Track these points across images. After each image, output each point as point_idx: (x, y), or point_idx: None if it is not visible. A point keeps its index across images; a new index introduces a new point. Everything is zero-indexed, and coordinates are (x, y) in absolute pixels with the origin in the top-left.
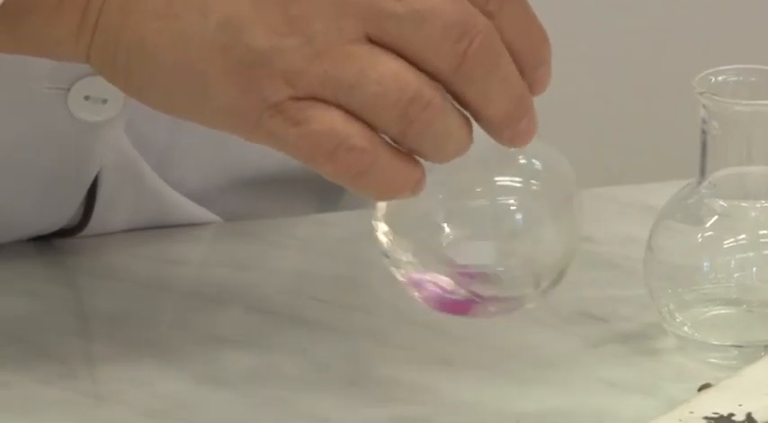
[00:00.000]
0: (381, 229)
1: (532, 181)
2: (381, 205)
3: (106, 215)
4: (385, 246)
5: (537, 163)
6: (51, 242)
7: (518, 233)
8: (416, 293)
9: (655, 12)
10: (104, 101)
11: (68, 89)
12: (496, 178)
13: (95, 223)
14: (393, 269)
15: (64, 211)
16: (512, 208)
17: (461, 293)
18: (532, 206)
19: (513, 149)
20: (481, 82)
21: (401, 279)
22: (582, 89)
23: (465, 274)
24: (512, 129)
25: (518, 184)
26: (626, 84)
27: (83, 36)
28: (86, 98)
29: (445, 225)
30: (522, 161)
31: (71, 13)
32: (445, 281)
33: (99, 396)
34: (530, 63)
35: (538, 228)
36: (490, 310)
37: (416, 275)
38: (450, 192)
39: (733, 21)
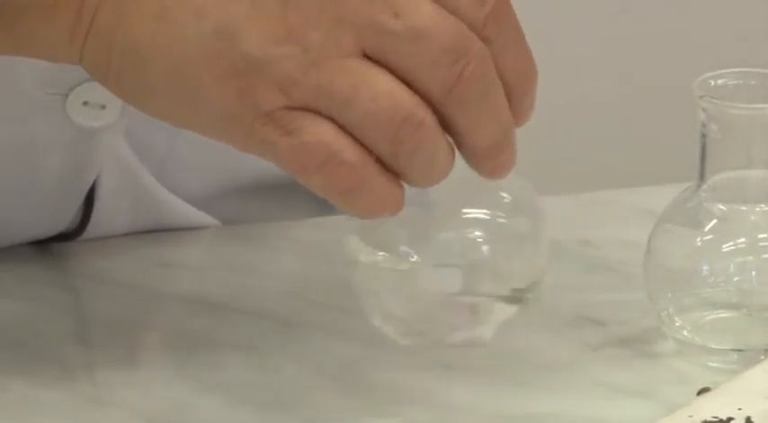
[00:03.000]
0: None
1: (499, 213)
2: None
3: (105, 219)
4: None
5: (507, 196)
6: (50, 246)
7: (481, 264)
8: None
9: (655, 15)
10: (103, 106)
11: (67, 95)
12: (465, 210)
13: (94, 227)
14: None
15: (63, 216)
16: (477, 240)
17: None
18: (498, 237)
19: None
20: (472, 107)
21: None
22: (581, 92)
23: None
24: (494, 160)
25: (485, 217)
26: (625, 87)
27: (77, 38)
28: (85, 104)
29: (410, 253)
30: (493, 194)
31: (66, 15)
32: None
33: (98, 400)
34: (517, 92)
35: (502, 259)
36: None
37: None
38: (418, 221)
39: (733, 24)
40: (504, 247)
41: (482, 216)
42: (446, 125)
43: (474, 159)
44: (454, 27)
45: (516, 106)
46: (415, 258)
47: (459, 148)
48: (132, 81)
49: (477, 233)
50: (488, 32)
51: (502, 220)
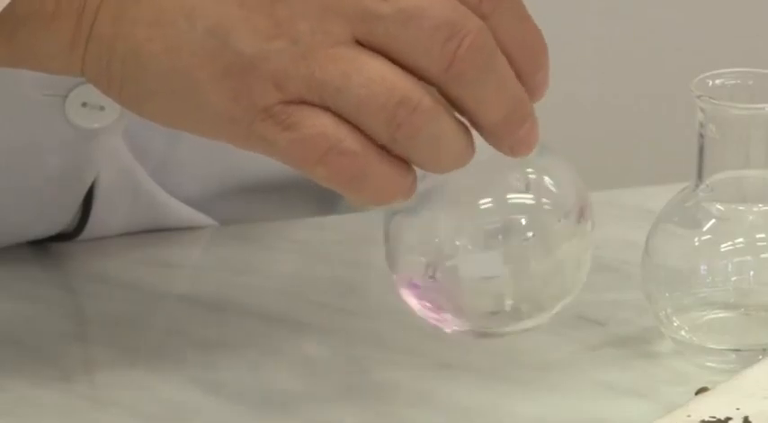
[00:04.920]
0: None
1: (544, 199)
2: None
3: (103, 220)
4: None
5: (548, 179)
6: (48, 246)
7: (530, 255)
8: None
9: (653, 15)
10: (101, 108)
11: (66, 96)
12: (508, 196)
13: (92, 228)
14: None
15: (61, 216)
16: (522, 227)
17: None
18: (544, 226)
19: (521, 161)
20: (474, 84)
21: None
22: (580, 92)
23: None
24: (512, 136)
25: (529, 202)
26: (624, 87)
27: (77, 48)
28: (84, 105)
29: (454, 245)
30: (533, 176)
31: (65, 25)
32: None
33: (96, 400)
34: (527, 68)
35: (550, 250)
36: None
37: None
38: (460, 209)
39: (731, 24)
40: (549, 236)
41: (526, 201)
42: (454, 105)
43: (490, 137)
44: (446, 4)
45: (528, 82)
46: (457, 252)
47: (475, 128)
48: (133, 87)
49: (522, 220)
50: (485, 8)
51: (547, 207)
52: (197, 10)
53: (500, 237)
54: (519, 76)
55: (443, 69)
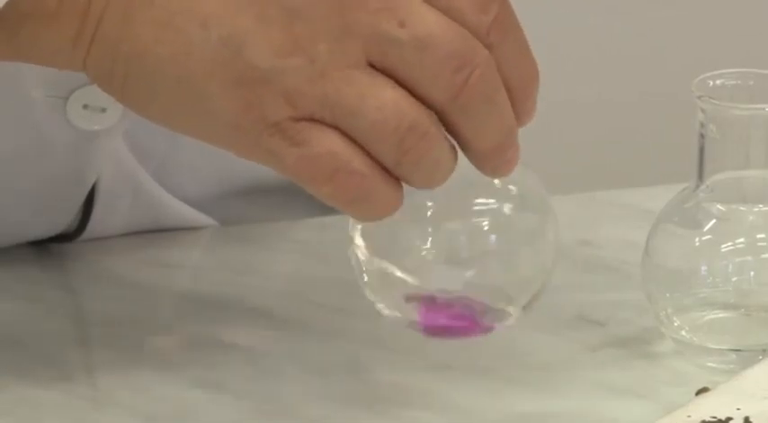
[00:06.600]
0: (358, 245)
1: (506, 204)
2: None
3: (104, 220)
4: (360, 263)
5: (512, 187)
6: (49, 246)
7: (491, 256)
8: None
9: (654, 15)
10: (103, 110)
11: (67, 98)
12: (473, 201)
13: (93, 228)
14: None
15: (62, 217)
16: (485, 231)
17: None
18: (506, 229)
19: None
20: (476, 113)
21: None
22: (580, 92)
23: (437, 303)
24: (497, 160)
25: (492, 207)
26: (624, 87)
27: (80, 45)
28: (85, 107)
29: (419, 248)
30: (497, 184)
31: (69, 21)
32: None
33: (97, 400)
34: (519, 96)
35: (511, 250)
36: (466, 334)
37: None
38: (425, 214)
39: (731, 24)
40: (511, 238)
41: (489, 206)
42: (450, 129)
43: (477, 160)
44: (458, 35)
45: (519, 108)
46: (421, 254)
47: (462, 150)
48: (137, 88)
49: (485, 223)
50: (492, 39)
51: (508, 212)
52: (212, 18)
53: (464, 241)
54: (511, 102)
55: (450, 99)
